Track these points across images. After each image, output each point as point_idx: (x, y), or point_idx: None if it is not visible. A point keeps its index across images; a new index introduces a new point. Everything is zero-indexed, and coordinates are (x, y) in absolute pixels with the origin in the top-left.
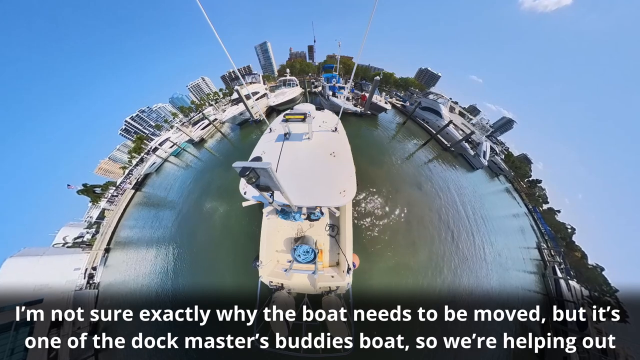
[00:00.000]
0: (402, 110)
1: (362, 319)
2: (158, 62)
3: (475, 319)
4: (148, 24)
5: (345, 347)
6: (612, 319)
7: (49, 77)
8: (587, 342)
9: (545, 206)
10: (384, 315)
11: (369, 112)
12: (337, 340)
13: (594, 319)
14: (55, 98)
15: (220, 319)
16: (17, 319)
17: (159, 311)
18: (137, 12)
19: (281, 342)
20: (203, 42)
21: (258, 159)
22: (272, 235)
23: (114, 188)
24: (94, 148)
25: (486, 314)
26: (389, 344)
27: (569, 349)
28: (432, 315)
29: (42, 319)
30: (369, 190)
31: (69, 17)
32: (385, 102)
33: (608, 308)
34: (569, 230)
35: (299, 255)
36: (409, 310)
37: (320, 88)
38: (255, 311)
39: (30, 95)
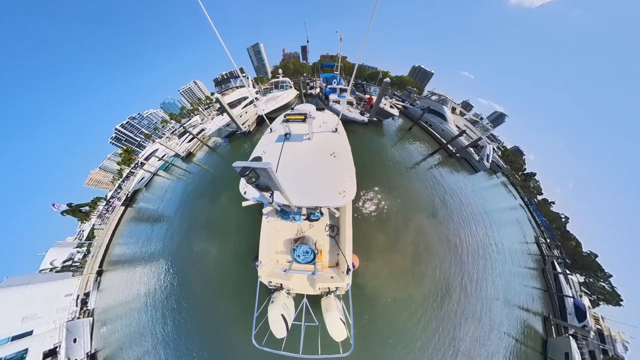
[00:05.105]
0: (403, 112)
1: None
2: (150, 66)
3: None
4: (142, 25)
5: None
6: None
7: (32, 87)
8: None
9: (539, 197)
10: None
11: (374, 119)
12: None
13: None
14: (41, 108)
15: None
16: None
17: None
18: (131, 14)
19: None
20: (196, 45)
21: (258, 159)
22: (271, 235)
23: (104, 203)
24: (85, 158)
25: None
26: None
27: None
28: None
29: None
30: (373, 196)
31: (63, 21)
32: (391, 106)
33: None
34: (563, 220)
35: (299, 256)
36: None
37: (317, 89)
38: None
39: (13, 106)
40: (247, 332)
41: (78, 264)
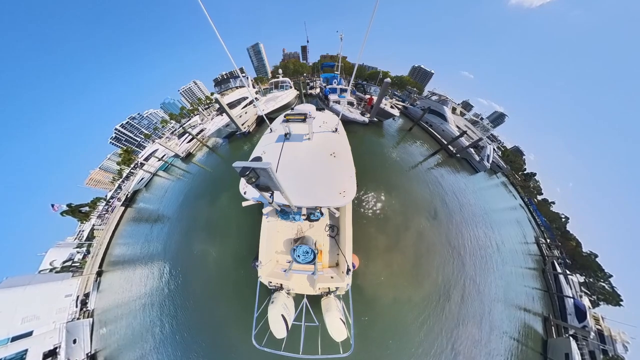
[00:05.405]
0: (404, 112)
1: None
2: (150, 66)
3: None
4: (142, 25)
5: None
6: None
7: (32, 87)
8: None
9: (539, 197)
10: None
11: (375, 119)
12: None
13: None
14: (41, 108)
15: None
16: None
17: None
18: (131, 14)
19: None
20: (196, 45)
21: (258, 159)
22: (271, 235)
23: (104, 203)
24: (85, 158)
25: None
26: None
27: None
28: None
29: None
30: (373, 197)
31: (62, 22)
32: (392, 107)
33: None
34: (563, 220)
35: (299, 256)
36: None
37: (317, 90)
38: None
39: (13, 106)
40: (247, 333)
41: (78, 264)
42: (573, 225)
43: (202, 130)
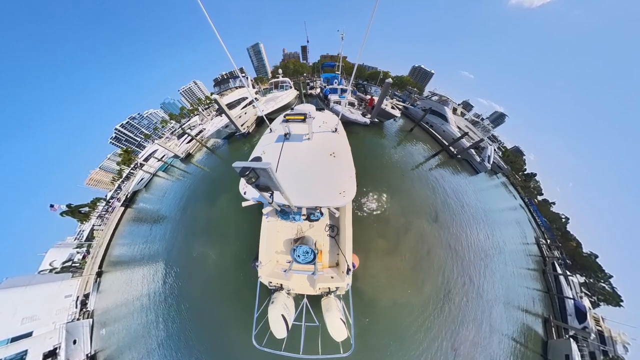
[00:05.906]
0: (404, 113)
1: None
2: (150, 66)
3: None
4: (142, 25)
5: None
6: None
7: (32, 87)
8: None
9: (540, 198)
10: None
11: (376, 120)
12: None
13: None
14: (41, 108)
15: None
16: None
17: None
18: (131, 14)
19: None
20: (196, 45)
21: (258, 159)
22: (271, 235)
23: (104, 203)
24: (85, 158)
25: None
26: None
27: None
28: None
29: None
30: (374, 198)
31: (62, 22)
32: (393, 107)
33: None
34: (563, 220)
35: (299, 256)
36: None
37: (317, 90)
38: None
39: (13, 106)
40: (247, 333)
41: (78, 264)
42: (573, 225)
43: (201, 131)
